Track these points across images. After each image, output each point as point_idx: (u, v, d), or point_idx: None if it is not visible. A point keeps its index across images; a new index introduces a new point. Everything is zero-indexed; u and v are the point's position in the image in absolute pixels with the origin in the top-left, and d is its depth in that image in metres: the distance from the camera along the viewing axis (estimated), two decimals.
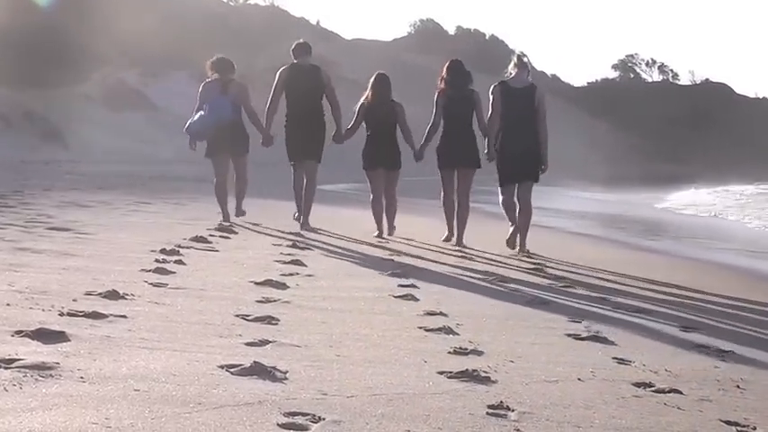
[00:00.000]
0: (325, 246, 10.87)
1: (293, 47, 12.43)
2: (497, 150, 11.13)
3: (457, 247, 11.50)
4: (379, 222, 12.31)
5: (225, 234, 11.28)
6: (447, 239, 11.90)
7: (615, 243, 15.41)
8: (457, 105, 11.40)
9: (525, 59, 11.43)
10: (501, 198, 11.39)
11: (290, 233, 11.82)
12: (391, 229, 12.39)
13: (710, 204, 32.44)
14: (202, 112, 12.10)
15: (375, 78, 12.14)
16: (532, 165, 11.06)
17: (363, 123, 12.18)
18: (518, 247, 11.28)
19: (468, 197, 11.77)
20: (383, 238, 12.04)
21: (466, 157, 11.46)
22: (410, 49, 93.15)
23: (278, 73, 12.27)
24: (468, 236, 11.93)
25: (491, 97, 11.08)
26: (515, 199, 11.19)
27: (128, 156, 39.25)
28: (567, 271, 9.96)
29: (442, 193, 11.90)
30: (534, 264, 10.38)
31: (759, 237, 19.32)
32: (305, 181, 12.18)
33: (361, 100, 12.14)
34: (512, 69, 11.16)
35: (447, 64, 11.68)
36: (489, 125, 11.20)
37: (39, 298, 6.03)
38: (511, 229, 11.43)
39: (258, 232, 12.02)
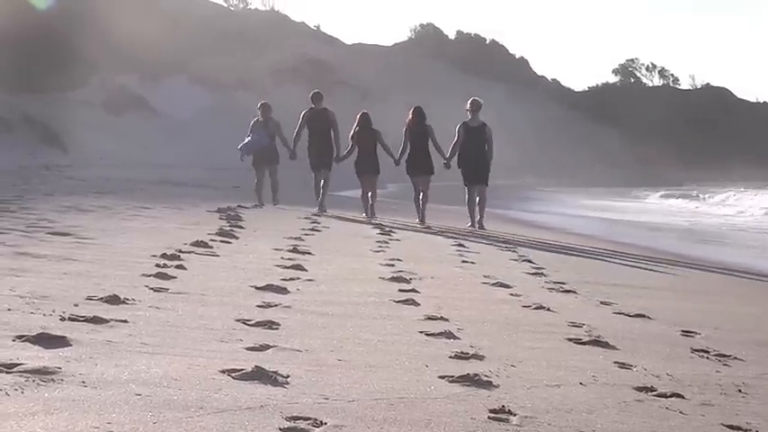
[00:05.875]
0: (329, 248, 10.91)
1: (311, 95, 18.39)
2: (462, 165, 16.82)
3: (420, 222, 16.84)
4: (365, 209, 17.75)
5: (225, 239, 11.28)
6: (420, 222, 17.09)
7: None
8: (418, 135, 17.05)
9: (479, 104, 16.79)
10: (467, 198, 16.99)
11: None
12: (373, 213, 17.57)
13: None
14: (250, 138, 18.82)
15: (360, 115, 17.85)
16: (484, 174, 16.82)
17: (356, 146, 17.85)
18: (477, 225, 16.65)
19: (427, 192, 17.28)
20: (370, 220, 16.92)
21: (425, 168, 17.18)
22: (410, 54, 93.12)
23: (302, 114, 18.14)
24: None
25: (456, 133, 16.82)
26: (475, 196, 16.81)
27: (127, 160, 39.24)
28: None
29: (414, 192, 17.52)
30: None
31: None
32: (322, 183, 18.04)
33: (352, 130, 17.71)
34: (469, 113, 16.82)
35: (412, 109, 17.38)
36: (451, 149, 16.90)
37: (40, 303, 6.03)
38: (468, 223, 16.83)
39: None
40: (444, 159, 17.02)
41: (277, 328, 5.89)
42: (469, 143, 16.75)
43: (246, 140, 18.99)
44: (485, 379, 4.86)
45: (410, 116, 17.40)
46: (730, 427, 4.43)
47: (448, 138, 17.08)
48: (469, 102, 17.08)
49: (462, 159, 16.88)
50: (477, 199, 16.83)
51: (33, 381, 4.18)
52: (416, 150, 17.18)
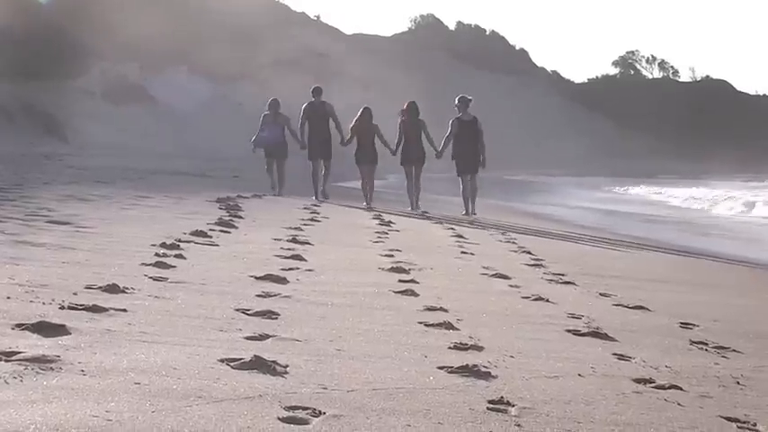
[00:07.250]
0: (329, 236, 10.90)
1: (312, 90, 19.62)
2: (456, 156, 18.13)
3: (419, 211, 17.80)
4: (365, 196, 18.83)
5: (225, 228, 11.29)
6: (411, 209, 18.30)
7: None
8: (411, 129, 18.42)
9: (468, 100, 18.08)
10: (461, 188, 18.17)
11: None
12: (371, 200, 18.73)
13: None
14: (263, 133, 20.07)
15: (362, 110, 19.06)
16: (474, 164, 18.07)
17: (355, 136, 19.16)
18: (469, 213, 17.75)
19: (420, 180, 18.62)
20: (369, 206, 18.14)
21: (417, 158, 18.52)
22: (410, 45, 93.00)
23: (303, 107, 19.36)
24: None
25: (449, 126, 18.11)
26: (468, 186, 18.13)
27: (127, 149, 39.21)
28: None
29: (406, 180, 18.92)
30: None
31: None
32: (322, 171, 19.37)
33: (353, 123, 18.99)
34: (460, 109, 18.03)
35: (406, 104, 18.71)
36: (444, 141, 18.24)
37: (39, 291, 6.02)
38: (463, 211, 17.91)
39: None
40: (436, 151, 18.43)
41: (276, 318, 5.89)
42: (463, 136, 18.09)
43: (260, 135, 20.34)
44: (484, 370, 4.86)
45: (404, 111, 18.86)
46: (728, 418, 4.43)
47: (445, 128, 18.04)
48: (458, 98, 18.48)
49: (456, 152, 18.20)
50: (469, 186, 18.13)
51: (32, 369, 4.18)
52: (410, 143, 18.48)
